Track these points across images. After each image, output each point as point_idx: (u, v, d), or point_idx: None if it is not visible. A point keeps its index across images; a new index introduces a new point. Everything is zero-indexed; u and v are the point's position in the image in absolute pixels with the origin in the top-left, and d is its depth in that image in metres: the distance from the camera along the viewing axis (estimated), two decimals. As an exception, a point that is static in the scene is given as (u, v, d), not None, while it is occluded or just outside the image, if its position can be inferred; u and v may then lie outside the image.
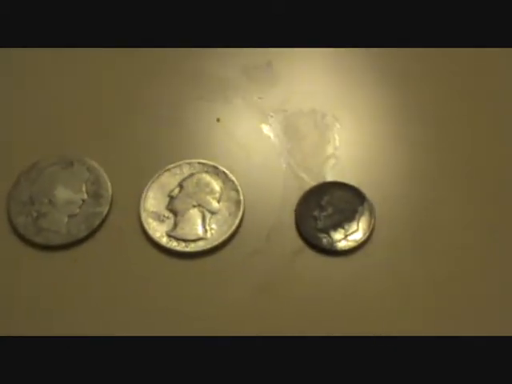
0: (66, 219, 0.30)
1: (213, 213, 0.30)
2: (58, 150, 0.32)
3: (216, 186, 0.31)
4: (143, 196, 0.31)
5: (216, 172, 0.31)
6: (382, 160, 0.32)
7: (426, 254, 0.29)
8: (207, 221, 0.30)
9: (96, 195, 0.31)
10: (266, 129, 0.33)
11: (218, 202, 0.30)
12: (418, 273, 0.29)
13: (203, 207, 0.30)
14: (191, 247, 0.29)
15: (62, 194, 0.31)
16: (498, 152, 0.32)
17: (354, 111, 0.33)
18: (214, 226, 0.30)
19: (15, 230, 0.30)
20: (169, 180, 0.31)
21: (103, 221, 0.30)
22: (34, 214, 0.30)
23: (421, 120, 0.33)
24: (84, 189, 0.31)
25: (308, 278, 0.29)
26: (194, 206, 0.30)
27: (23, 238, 0.30)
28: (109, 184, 0.31)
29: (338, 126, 0.33)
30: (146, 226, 0.30)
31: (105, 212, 0.30)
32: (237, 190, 0.31)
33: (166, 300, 0.29)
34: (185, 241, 0.30)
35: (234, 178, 0.31)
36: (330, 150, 0.32)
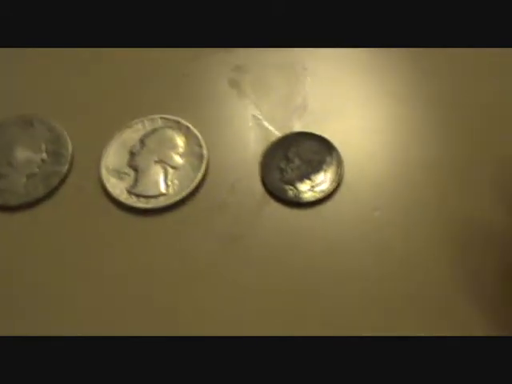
0: (24, 179, 0.29)
1: (175, 168, 0.29)
2: (18, 110, 0.31)
3: (179, 140, 0.30)
4: (104, 154, 0.30)
5: (179, 127, 0.30)
6: (352, 112, 0.30)
7: (391, 206, 0.28)
8: (169, 176, 0.29)
9: (56, 154, 0.30)
10: (232, 82, 0.31)
11: (181, 157, 0.29)
12: (384, 224, 0.28)
13: (165, 163, 0.29)
14: (152, 203, 0.28)
15: (21, 154, 0.30)
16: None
17: (325, 62, 0.32)
18: (176, 181, 0.29)
19: (-27, 193, 0.29)
20: (131, 136, 0.30)
21: (63, 180, 0.29)
22: (-7, 176, 0.30)
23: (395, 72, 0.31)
24: (43, 148, 0.30)
25: (274, 230, 0.28)
26: (156, 162, 0.29)
27: (-18, 200, 0.29)
28: (69, 143, 0.30)
29: (307, 78, 0.31)
30: (105, 183, 0.29)
31: (64, 171, 0.29)
32: (200, 145, 0.29)
33: (129, 257, 0.27)
34: (145, 197, 0.28)
35: (197, 133, 0.30)
36: (298, 101, 0.31)
